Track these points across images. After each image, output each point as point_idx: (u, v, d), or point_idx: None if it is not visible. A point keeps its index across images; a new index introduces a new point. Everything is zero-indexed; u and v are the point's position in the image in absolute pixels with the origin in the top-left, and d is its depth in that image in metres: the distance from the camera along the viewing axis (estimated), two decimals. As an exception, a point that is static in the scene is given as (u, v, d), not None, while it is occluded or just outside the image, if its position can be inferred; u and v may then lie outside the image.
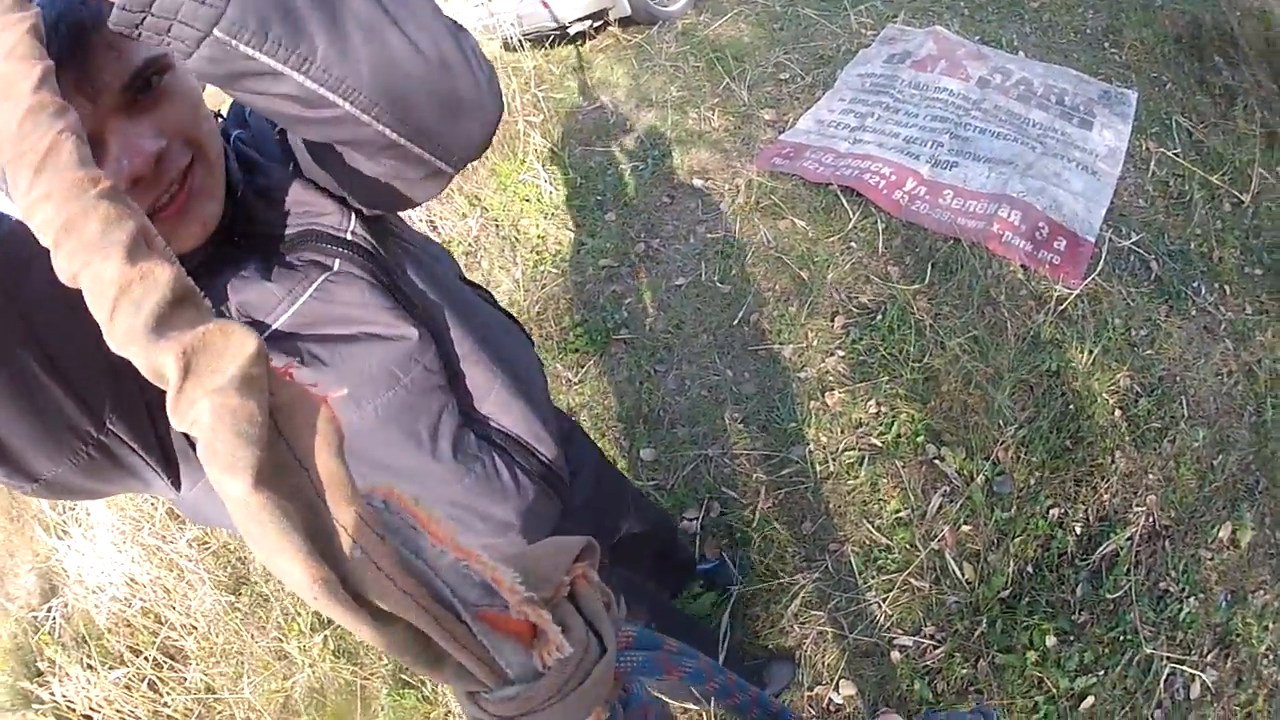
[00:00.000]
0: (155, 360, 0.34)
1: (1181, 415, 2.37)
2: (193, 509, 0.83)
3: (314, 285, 0.79)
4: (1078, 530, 2.15)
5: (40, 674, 3.13)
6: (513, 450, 1.02)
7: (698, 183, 3.47)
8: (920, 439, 2.33)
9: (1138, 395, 2.40)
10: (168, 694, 2.76)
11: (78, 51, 0.62)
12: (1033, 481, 2.22)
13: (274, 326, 0.77)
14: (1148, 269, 2.76)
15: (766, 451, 2.45)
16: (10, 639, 3.83)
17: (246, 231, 0.80)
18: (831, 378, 2.57)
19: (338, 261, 0.81)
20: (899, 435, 2.35)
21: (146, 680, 2.81)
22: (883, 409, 2.44)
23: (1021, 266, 2.72)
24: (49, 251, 0.47)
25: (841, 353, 2.62)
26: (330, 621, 2.60)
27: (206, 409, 0.32)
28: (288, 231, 0.81)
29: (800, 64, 3.93)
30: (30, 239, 0.46)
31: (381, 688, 2.42)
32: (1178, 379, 2.46)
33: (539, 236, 3.45)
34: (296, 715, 2.57)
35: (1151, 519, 2.18)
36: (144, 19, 0.53)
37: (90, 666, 2.94)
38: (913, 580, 2.09)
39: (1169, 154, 3.18)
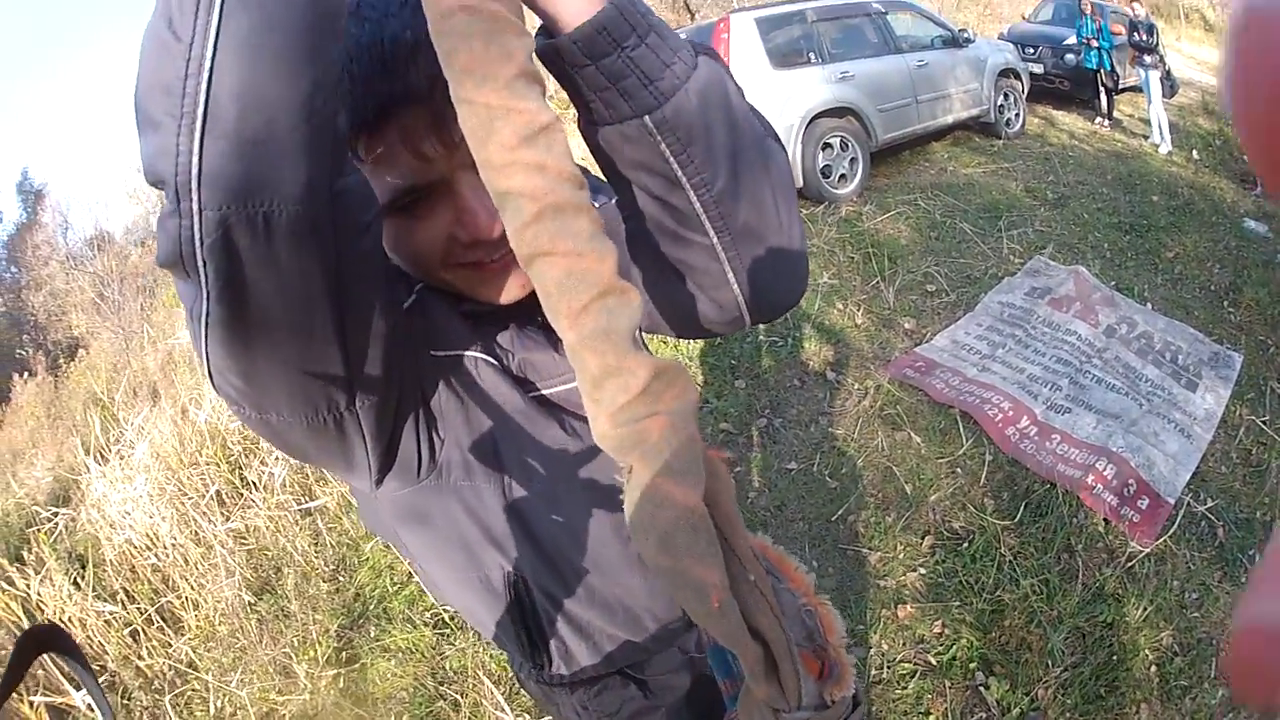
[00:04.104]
0: (624, 363, 0.39)
1: (1208, 675, 2.52)
2: (370, 506, 0.84)
3: None
4: (1090, 768, 2.44)
5: (21, 561, 3.09)
6: None
7: (830, 375, 3.79)
8: (973, 665, 2.52)
9: (1174, 654, 2.58)
10: (147, 648, 2.72)
11: (441, 88, 0.49)
12: (1062, 720, 2.54)
13: (545, 393, 0.80)
14: (1214, 535, 3.07)
15: (829, 646, 2.78)
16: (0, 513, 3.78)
17: None
18: (908, 592, 2.76)
19: None
20: (954, 657, 2.53)
21: (131, 628, 2.75)
22: (946, 630, 2.63)
23: (1104, 519, 3.06)
24: (380, 226, 0.59)
25: (923, 570, 2.83)
26: (348, 661, 2.71)
27: (663, 424, 0.39)
28: None
29: (948, 279, 4.27)
30: (371, 206, 0.56)
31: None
32: (1214, 641, 2.63)
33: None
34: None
35: (1154, 767, 2.47)
36: (586, 68, 0.54)
37: (77, 585, 2.87)
38: (933, 793, 2.31)
39: (1258, 421, 3.53)
